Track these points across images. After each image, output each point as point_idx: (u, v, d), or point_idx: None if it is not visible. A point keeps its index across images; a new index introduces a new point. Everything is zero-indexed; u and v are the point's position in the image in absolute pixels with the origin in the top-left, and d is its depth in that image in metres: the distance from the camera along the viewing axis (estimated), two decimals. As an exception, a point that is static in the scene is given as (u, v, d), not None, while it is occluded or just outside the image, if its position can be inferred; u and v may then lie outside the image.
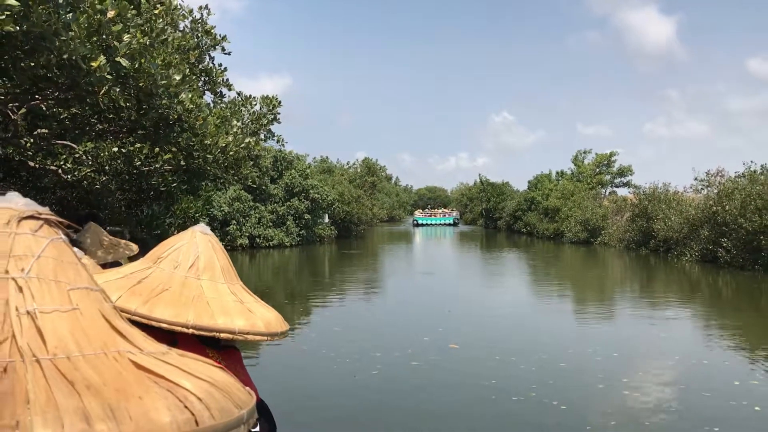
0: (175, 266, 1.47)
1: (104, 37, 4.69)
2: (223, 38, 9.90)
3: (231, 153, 8.35)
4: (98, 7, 4.33)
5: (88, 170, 9.38)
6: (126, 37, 4.77)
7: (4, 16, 3.79)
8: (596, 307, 15.59)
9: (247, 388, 0.92)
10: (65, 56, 4.18)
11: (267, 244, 33.19)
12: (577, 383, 8.06)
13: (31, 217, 0.83)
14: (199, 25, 9.39)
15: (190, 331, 1.35)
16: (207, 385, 0.80)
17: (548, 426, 6.62)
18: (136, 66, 5.09)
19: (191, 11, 9.20)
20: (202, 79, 9.75)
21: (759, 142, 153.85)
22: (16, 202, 0.84)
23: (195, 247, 1.51)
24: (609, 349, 10.14)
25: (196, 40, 9.28)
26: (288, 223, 34.86)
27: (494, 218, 67.47)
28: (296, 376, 8.53)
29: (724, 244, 23.70)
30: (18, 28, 3.91)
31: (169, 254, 1.49)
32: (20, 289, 0.76)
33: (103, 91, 5.08)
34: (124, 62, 4.76)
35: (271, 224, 33.92)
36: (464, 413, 7.01)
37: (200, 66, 9.64)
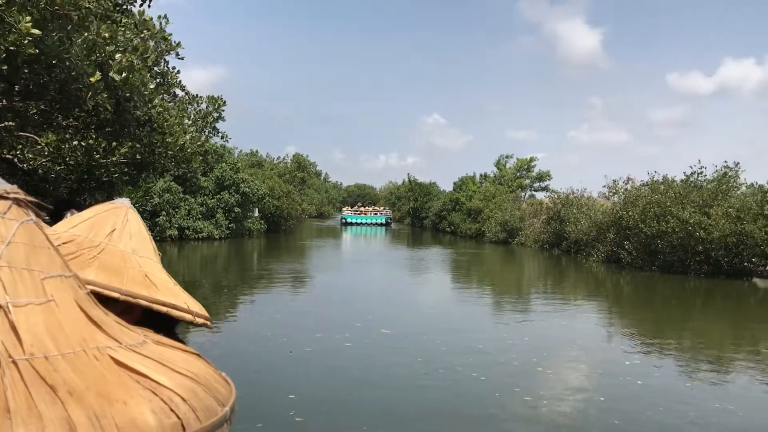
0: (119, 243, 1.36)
1: (99, 55, 5.44)
2: (178, 44, 10.58)
3: (188, 150, 9.10)
4: (102, 34, 5.09)
5: (44, 160, 9.83)
6: (118, 56, 5.53)
7: (26, 42, 4.52)
8: (511, 300, 17.16)
9: (224, 374, 0.93)
10: (73, 73, 4.92)
11: (196, 236, 33.26)
12: (493, 361, 9.36)
13: None
14: (158, 32, 10.02)
15: (165, 310, 1.27)
16: (189, 382, 0.78)
17: (469, 392, 7.85)
18: (124, 78, 5.84)
19: (150, 18, 9.83)
20: (157, 80, 10.39)
21: (677, 151, 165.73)
22: None
23: (138, 228, 1.42)
24: (521, 335, 11.54)
25: (153, 44, 9.92)
26: (218, 215, 35.02)
27: (421, 217, 68.73)
28: (245, 356, 9.37)
29: (627, 247, 25.91)
30: (37, 50, 4.64)
31: (108, 232, 1.36)
32: None
33: (88, 96, 5.82)
34: (117, 77, 5.52)
35: (200, 216, 34.01)
36: (395, 380, 8.21)
37: (156, 69, 10.28)
